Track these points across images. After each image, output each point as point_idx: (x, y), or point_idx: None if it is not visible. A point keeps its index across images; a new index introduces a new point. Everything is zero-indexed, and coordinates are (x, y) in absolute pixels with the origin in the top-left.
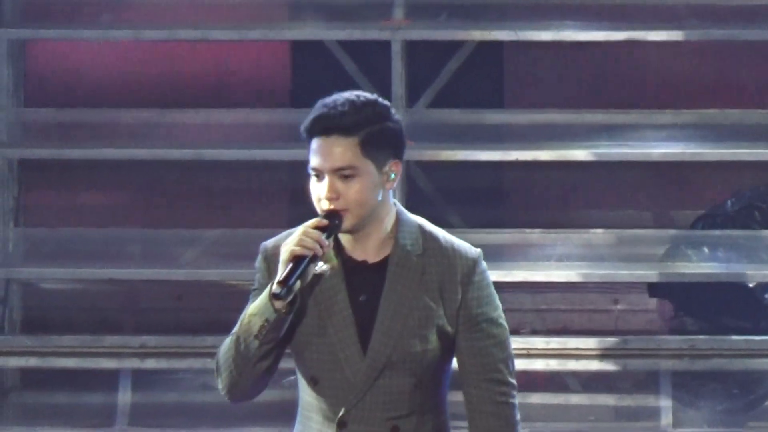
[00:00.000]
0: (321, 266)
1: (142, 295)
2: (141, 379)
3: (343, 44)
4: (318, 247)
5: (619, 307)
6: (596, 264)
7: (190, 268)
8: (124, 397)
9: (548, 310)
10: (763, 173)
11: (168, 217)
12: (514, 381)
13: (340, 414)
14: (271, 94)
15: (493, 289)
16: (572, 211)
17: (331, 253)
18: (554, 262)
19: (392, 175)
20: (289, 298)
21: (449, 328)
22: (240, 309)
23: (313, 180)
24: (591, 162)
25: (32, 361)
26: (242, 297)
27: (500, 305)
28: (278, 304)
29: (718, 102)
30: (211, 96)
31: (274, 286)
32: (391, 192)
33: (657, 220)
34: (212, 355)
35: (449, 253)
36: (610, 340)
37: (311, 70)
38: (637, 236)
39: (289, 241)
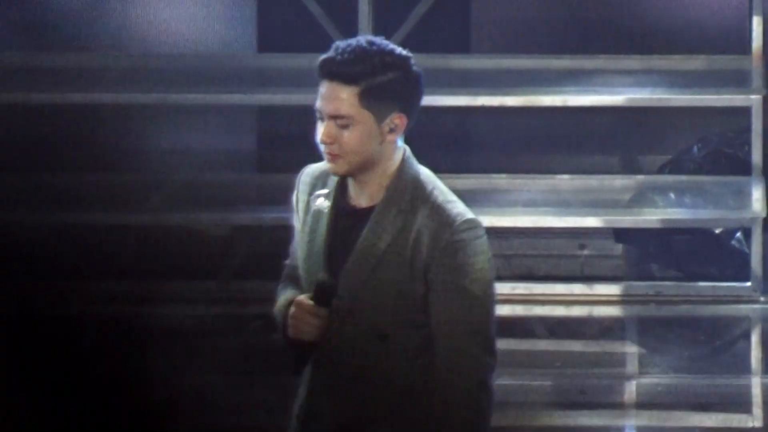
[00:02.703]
0: (322, 203)
1: (106, 240)
2: (105, 326)
3: None
4: (319, 330)
5: (585, 252)
6: (562, 209)
7: (155, 213)
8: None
9: (514, 255)
10: (729, 119)
11: (133, 161)
12: (482, 354)
13: (315, 355)
14: (238, 39)
15: (476, 259)
16: (539, 156)
17: (331, 194)
18: (520, 207)
19: (393, 129)
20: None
21: (413, 288)
22: (204, 254)
23: (318, 119)
24: (558, 107)
25: None
26: (207, 242)
27: (484, 277)
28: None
29: (685, 48)
30: (178, 41)
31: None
32: (399, 141)
33: (624, 165)
34: (176, 300)
35: (434, 214)
36: (577, 286)
37: (278, 15)
38: (603, 182)
39: (290, 324)
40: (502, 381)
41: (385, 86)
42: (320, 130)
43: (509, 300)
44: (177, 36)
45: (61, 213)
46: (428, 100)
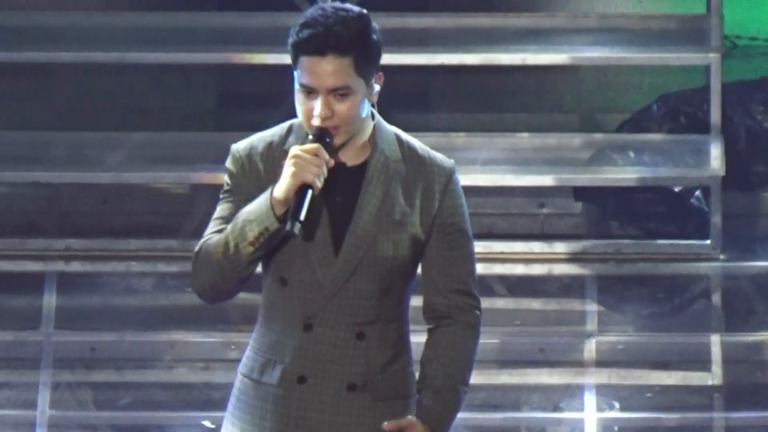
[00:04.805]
0: None
1: (66, 198)
2: (66, 282)
3: None
4: (324, 171)
5: (544, 211)
6: (522, 168)
7: (115, 172)
8: (49, 300)
9: (473, 214)
10: (688, 77)
11: (93, 120)
12: (478, 295)
13: (308, 316)
14: None
15: (464, 201)
16: (497, 115)
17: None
18: (479, 166)
19: (377, 88)
20: (298, 228)
21: (422, 236)
22: (163, 212)
23: (301, 95)
24: (517, 66)
25: None
26: (166, 200)
27: (469, 219)
28: (288, 230)
29: (643, 6)
30: None
31: (288, 224)
32: None
33: (583, 124)
34: (136, 258)
35: (427, 161)
36: (536, 244)
37: None
38: (562, 140)
39: (290, 169)
40: None
41: (371, 49)
42: (313, 105)
43: None
44: None
45: (20, 171)
46: (387, 59)
